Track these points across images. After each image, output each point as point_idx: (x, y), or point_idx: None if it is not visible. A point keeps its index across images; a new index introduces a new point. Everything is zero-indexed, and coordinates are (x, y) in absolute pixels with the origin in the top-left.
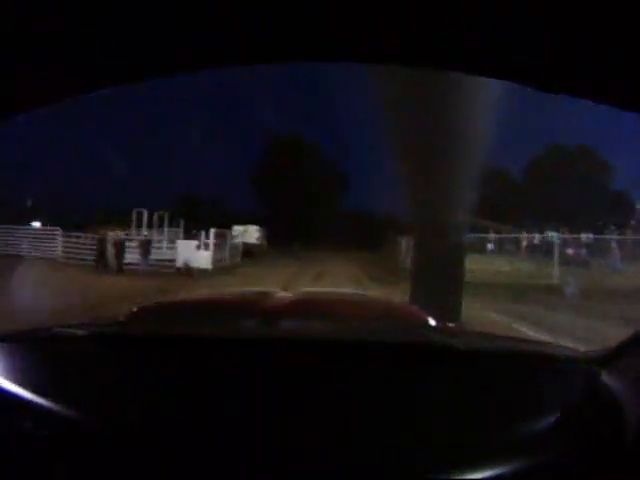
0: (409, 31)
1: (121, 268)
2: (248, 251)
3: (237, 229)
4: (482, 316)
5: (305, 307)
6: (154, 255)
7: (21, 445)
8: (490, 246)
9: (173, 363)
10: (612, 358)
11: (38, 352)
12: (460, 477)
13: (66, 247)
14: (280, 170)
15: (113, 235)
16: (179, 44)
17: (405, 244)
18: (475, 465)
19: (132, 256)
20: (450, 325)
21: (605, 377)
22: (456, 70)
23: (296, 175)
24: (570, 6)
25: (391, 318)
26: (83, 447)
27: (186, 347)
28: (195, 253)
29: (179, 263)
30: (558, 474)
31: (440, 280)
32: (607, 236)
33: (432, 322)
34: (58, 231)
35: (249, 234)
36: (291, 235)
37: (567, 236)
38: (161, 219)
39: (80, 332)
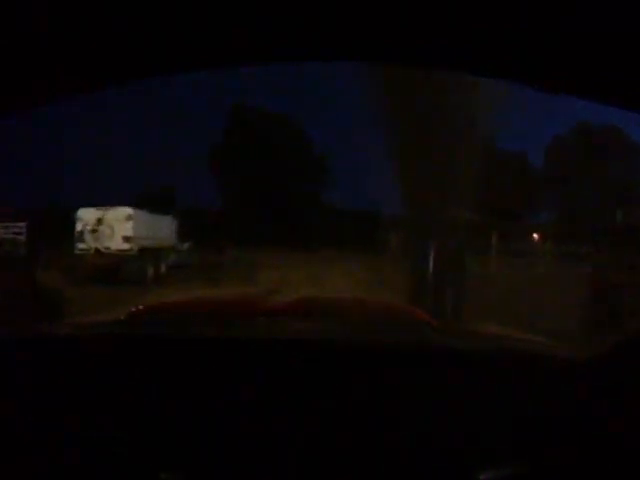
0: (409, 31)
1: None
2: (99, 270)
3: (84, 216)
4: None
5: (305, 308)
6: None
7: (21, 444)
8: None
9: (173, 363)
10: (613, 357)
11: (37, 352)
12: (461, 478)
13: None
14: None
15: None
16: (179, 44)
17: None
18: (476, 466)
19: None
20: (450, 325)
21: (606, 377)
22: (456, 70)
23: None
24: (570, 6)
25: (391, 319)
26: (83, 447)
27: (186, 347)
28: None
29: None
30: (558, 474)
31: (440, 280)
32: None
33: (432, 322)
34: None
35: (108, 228)
36: (220, 235)
37: None
38: None
39: (80, 332)
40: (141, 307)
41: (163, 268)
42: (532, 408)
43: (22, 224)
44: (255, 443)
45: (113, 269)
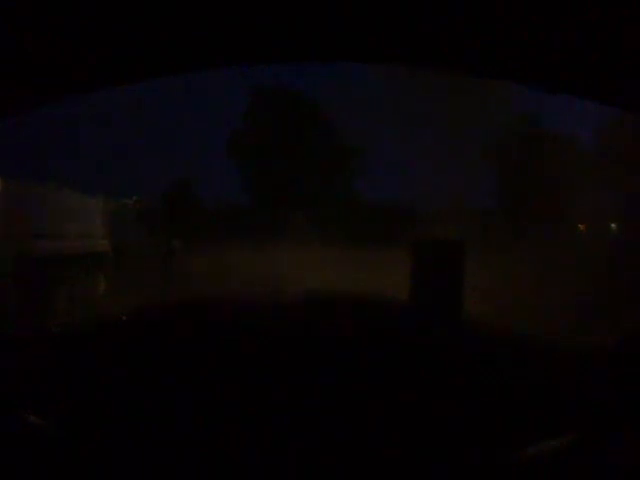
0: (409, 31)
1: None
2: None
3: None
4: None
5: (306, 307)
6: None
7: (21, 443)
8: None
9: (174, 362)
10: (619, 352)
11: (38, 351)
12: (461, 476)
13: None
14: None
15: None
16: (179, 44)
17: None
18: (478, 464)
19: None
20: (450, 325)
21: (613, 370)
22: (456, 70)
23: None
24: (570, 7)
25: (392, 318)
26: (83, 446)
27: (187, 347)
28: None
29: None
30: (567, 470)
31: (441, 280)
32: None
33: (432, 322)
34: None
35: None
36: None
37: None
38: None
39: (80, 331)
40: (142, 307)
41: None
42: (535, 406)
43: None
44: (255, 442)
45: None
